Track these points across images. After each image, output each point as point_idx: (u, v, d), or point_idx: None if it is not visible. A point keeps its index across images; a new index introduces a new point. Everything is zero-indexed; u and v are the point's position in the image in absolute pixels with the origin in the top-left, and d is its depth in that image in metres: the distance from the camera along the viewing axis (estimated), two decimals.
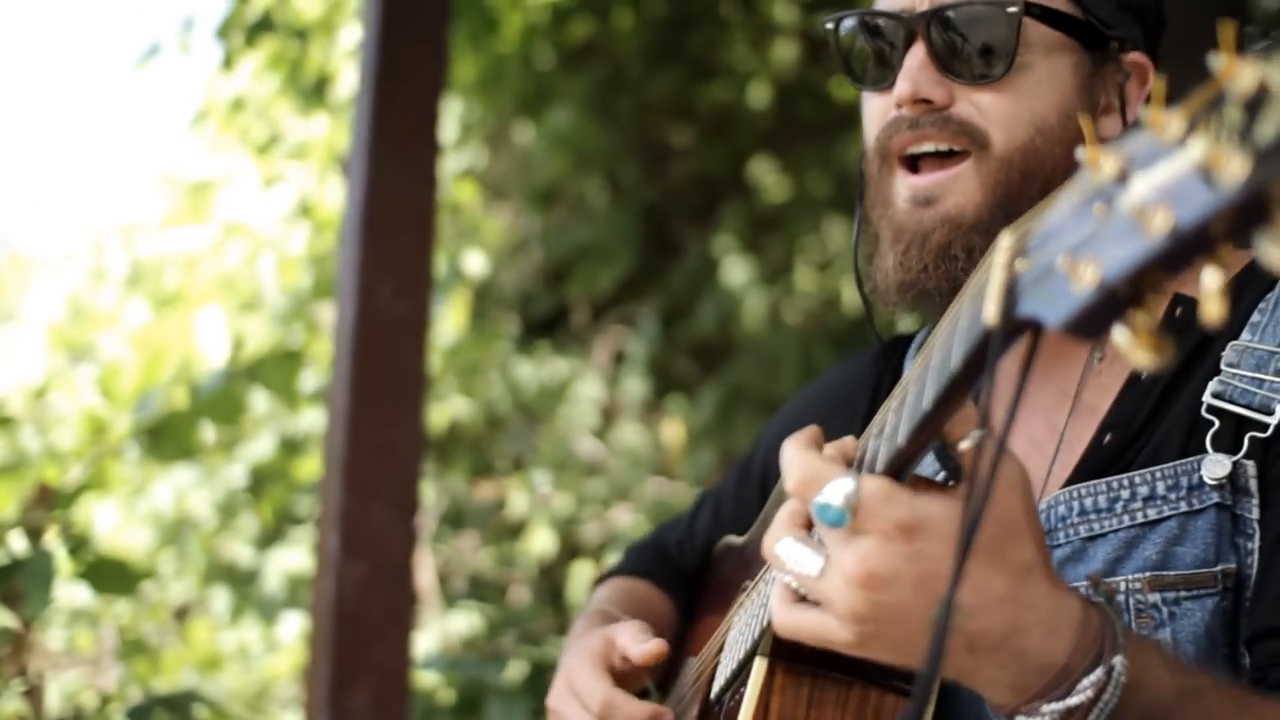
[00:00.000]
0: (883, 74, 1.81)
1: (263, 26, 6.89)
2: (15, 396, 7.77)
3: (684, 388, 8.09)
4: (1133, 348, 0.93)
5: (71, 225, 9.50)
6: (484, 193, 8.44)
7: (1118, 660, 1.23)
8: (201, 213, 8.65)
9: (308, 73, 7.57)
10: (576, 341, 8.26)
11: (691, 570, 2.34)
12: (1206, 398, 1.60)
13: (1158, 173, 0.86)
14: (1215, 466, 1.56)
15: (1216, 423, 1.58)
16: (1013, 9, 1.70)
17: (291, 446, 7.09)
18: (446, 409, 7.46)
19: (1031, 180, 1.71)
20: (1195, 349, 1.65)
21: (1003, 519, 1.18)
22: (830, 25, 1.89)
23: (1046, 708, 1.23)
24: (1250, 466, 1.55)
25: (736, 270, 7.86)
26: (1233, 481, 1.55)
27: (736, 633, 1.84)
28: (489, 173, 8.51)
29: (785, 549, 1.27)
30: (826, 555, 1.22)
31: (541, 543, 7.26)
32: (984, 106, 1.73)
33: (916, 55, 1.75)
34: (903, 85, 1.75)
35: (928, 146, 1.75)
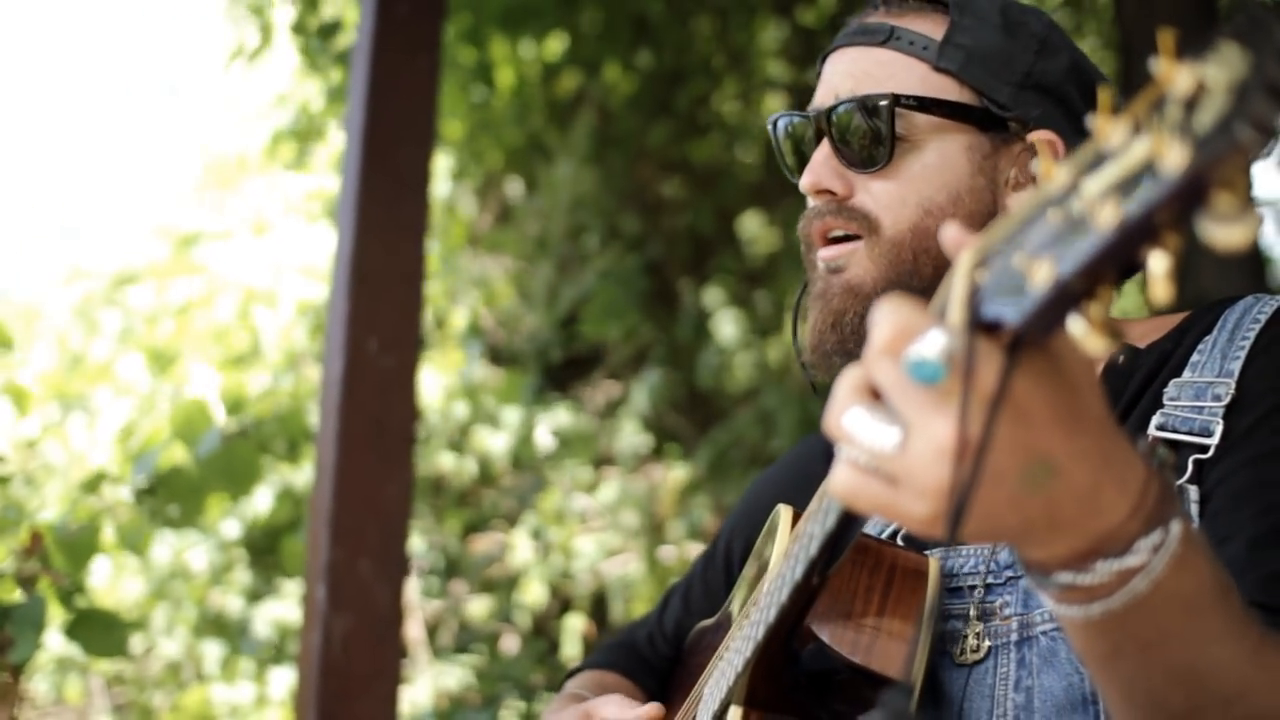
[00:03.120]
0: (803, 168, 1.95)
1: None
2: (8, 447, 7.76)
3: (678, 440, 8.11)
4: (1088, 336, 0.97)
5: (65, 274, 9.51)
6: (478, 246, 8.49)
7: (1175, 525, 1.17)
8: (194, 264, 8.69)
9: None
10: (573, 393, 8.28)
11: (663, 661, 2.35)
12: (1150, 430, 1.65)
13: (1106, 174, 0.90)
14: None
15: None
16: (884, 103, 1.83)
17: (294, 499, 7.10)
18: (443, 461, 7.47)
19: (924, 257, 1.83)
20: (1138, 392, 1.71)
21: (1075, 370, 1.10)
22: (770, 125, 2.04)
23: (1101, 565, 1.17)
24: (1193, 492, 1.60)
25: (727, 324, 7.89)
26: None
27: (711, 685, 1.86)
28: (479, 225, 8.56)
29: (854, 420, 1.12)
30: (904, 424, 1.09)
31: (534, 595, 7.26)
32: (875, 193, 1.86)
33: (822, 150, 1.90)
34: (806, 178, 1.91)
35: (835, 233, 1.89)
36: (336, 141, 8.21)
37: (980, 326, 1.03)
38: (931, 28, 1.89)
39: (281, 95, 8.72)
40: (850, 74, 1.90)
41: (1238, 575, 1.46)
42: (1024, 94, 1.87)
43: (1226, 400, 1.62)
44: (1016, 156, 1.86)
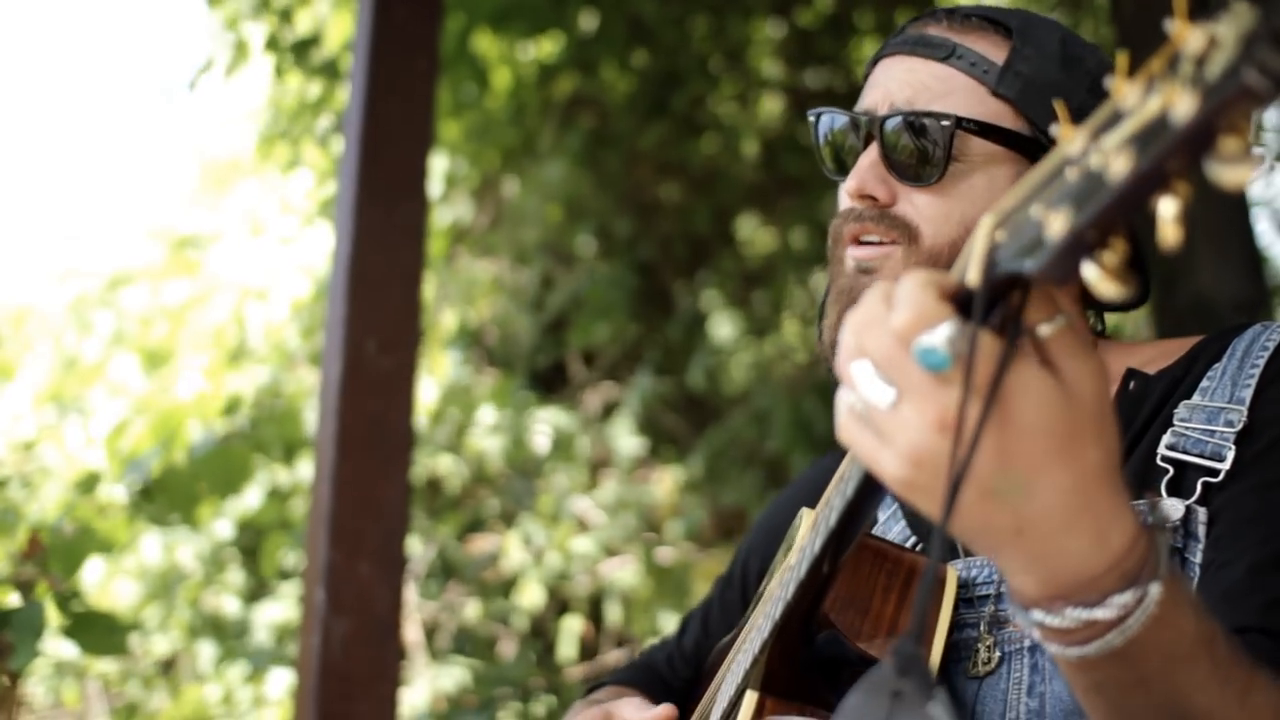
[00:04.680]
0: (847, 167, 1.95)
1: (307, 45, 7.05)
2: (4, 450, 7.75)
3: (674, 442, 8.10)
4: (1100, 281, 1.00)
5: (60, 276, 9.50)
6: (473, 248, 8.48)
7: (1154, 587, 1.19)
8: (190, 266, 8.68)
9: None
10: (568, 396, 8.27)
11: (682, 683, 2.38)
12: (1161, 449, 1.70)
13: (1121, 129, 0.96)
14: (1170, 510, 1.64)
15: (1171, 470, 1.68)
16: (945, 123, 1.83)
17: (280, 497, 7.10)
18: (441, 463, 7.46)
19: None
20: (1150, 416, 1.76)
21: (1081, 410, 1.13)
22: (812, 118, 2.03)
23: (1070, 612, 1.20)
24: (1201, 513, 1.64)
25: (724, 325, 7.89)
26: (1185, 525, 1.64)
27: (731, 672, 1.91)
28: (476, 227, 8.56)
29: (859, 370, 1.16)
30: (899, 390, 1.14)
31: (532, 597, 7.25)
32: (919, 205, 1.87)
33: (870, 155, 1.89)
34: (851, 181, 1.90)
35: (870, 238, 1.89)
36: (319, 147, 8.21)
37: (997, 281, 1.08)
38: (992, 50, 1.89)
39: (272, 98, 8.72)
40: (908, 83, 1.90)
41: (1238, 599, 1.54)
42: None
43: (1239, 426, 1.66)
44: None
